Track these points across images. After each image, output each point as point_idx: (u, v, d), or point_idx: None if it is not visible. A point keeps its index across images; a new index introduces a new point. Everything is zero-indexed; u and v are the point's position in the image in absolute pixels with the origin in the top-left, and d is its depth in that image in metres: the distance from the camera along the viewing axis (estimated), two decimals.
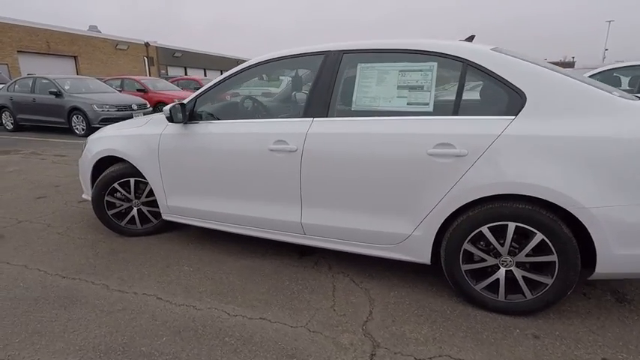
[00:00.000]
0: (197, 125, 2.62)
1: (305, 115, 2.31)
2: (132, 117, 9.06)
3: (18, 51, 21.23)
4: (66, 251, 2.87)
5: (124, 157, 2.85)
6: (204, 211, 2.69)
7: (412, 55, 2.14)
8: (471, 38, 2.52)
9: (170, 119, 2.55)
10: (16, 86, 9.63)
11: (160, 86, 12.30)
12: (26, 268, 2.62)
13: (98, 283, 2.42)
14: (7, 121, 9.77)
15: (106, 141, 2.97)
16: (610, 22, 40.82)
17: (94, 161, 3.01)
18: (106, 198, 2.97)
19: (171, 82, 13.66)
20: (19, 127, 9.71)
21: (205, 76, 35.11)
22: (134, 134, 2.85)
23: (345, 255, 2.71)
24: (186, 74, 34.10)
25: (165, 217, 2.92)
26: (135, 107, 9.28)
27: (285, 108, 3.24)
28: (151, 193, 3.00)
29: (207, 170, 2.58)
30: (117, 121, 8.95)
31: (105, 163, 3.08)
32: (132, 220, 3.09)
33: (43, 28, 22.62)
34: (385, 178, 2.09)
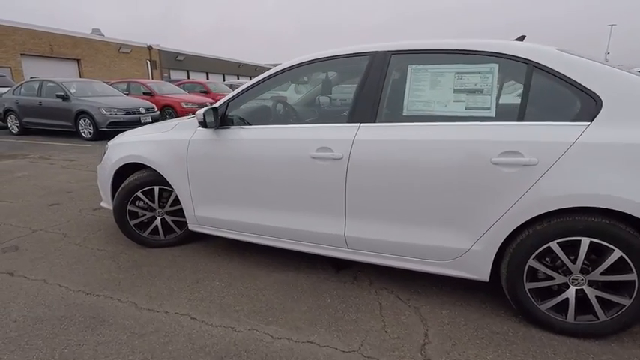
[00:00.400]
0: (229, 131, 2.46)
1: (351, 121, 2.15)
2: (139, 121, 8.91)
3: (21, 54, 21.14)
4: (86, 264, 2.70)
5: (149, 165, 2.69)
6: (235, 222, 2.53)
7: (469, 57, 1.98)
8: (521, 38, 2.36)
9: (203, 124, 2.39)
10: (22, 89, 9.49)
11: (166, 89, 12.16)
12: (46, 283, 2.45)
13: (125, 300, 2.24)
14: (13, 125, 9.62)
15: (129, 147, 2.81)
16: (612, 25, 40.79)
17: (116, 168, 2.85)
18: (129, 207, 2.81)
19: (177, 85, 13.51)
20: (24, 131, 9.56)
21: (208, 79, 35.03)
22: (160, 140, 2.69)
23: (386, 269, 2.55)
24: (188, 77, 34.06)
25: (191, 228, 2.75)
26: (143, 111, 9.13)
27: (321, 113, 3.07)
28: (175, 202, 2.83)
29: (240, 179, 2.41)
30: (125, 125, 8.89)
31: (126, 170, 2.92)
32: (155, 231, 2.92)
33: (47, 32, 22.54)
34: (443, 188, 1.93)
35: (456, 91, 1.99)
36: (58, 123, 8.95)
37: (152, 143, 2.71)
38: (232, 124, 2.51)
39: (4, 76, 12.18)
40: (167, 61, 33.03)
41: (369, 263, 2.29)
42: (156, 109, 9.70)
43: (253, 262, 2.73)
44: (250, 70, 45.64)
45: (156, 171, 2.73)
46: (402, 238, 2.08)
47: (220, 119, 2.46)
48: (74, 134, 9.08)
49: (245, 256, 2.82)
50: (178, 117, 11.15)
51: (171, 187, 2.74)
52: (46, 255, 2.85)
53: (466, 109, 1.96)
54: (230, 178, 2.45)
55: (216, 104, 2.48)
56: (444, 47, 2.04)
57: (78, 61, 24.73)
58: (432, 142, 1.93)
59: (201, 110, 2.37)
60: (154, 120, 9.41)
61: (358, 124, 2.12)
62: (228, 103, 2.50)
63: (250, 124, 2.50)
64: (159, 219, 2.89)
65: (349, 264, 2.67)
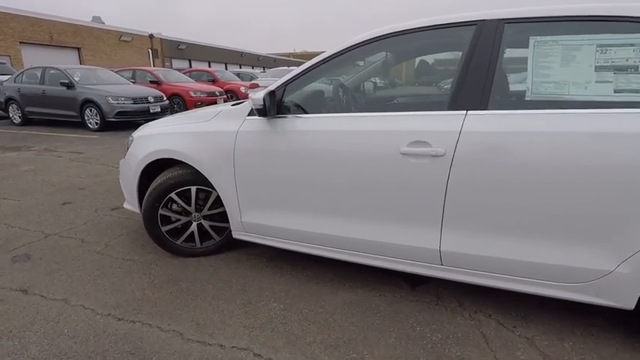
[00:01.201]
0: (287, 120, 2.02)
1: (453, 107, 1.70)
2: (148, 111, 8.45)
3: (20, 42, 20.54)
4: (112, 278, 2.28)
5: (185, 160, 2.25)
6: (293, 231, 2.10)
7: (616, 25, 1.53)
8: None
9: (262, 111, 1.94)
10: (24, 77, 8.99)
11: (174, 78, 11.65)
12: (67, 304, 2.03)
13: (167, 329, 1.83)
14: (15, 115, 9.15)
15: (161, 139, 2.37)
16: None
17: (144, 165, 2.41)
18: (160, 211, 2.37)
19: (184, 74, 12.98)
20: (27, 121, 9.10)
21: (210, 67, 34.40)
22: (199, 131, 2.24)
23: (469, 285, 2.12)
24: (190, 67, 33.39)
25: (236, 235, 2.32)
26: (151, 100, 8.65)
27: (405, 98, 2.61)
28: (215, 204, 2.40)
29: (302, 179, 1.98)
30: (133, 115, 8.41)
31: (154, 166, 2.48)
32: (190, 238, 2.50)
33: (46, 19, 21.90)
34: (586, 195, 1.49)
35: (598, 68, 1.54)
36: (63, 113, 8.48)
37: (189, 135, 2.27)
38: (289, 112, 2.07)
39: (4, 63, 11.66)
40: (169, 50, 32.35)
41: (466, 283, 1.87)
42: (165, 99, 9.22)
43: (310, 276, 2.31)
44: (252, 59, 44.86)
45: (193, 168, 2.30)
46: (520, 256, 1.65)
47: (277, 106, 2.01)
48: (79, 125, 8.62)
49: (298, 268, 2.40)
50: (187, 107, 10.67)
51: (212, 188, 2.31)
52: (64, 266, 2.43)
53: (615, 91, 1.51)
54: (289, 178, 2.01)
55: (272, 87, 2.03)
56: (580, 13, 1.59)
57: (78, 49, 24.12)
58: (574, 135, 1.49)
59: (261, 94, 1.92)
60: (163, 110, 8.94)
61: (464, 112, 1.67)
62: (285, 87, 2.05)
63: (308, 112, 2.06)
64: (195, 224, 2.46)
65: (424, 279, 2.25)
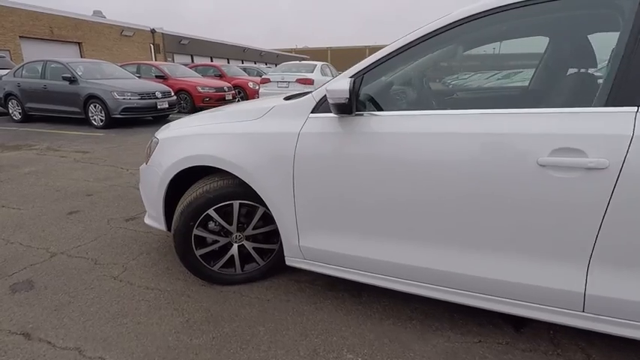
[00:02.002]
0: (368, 120, 1.56)
1: (614, 103, 1.23)
2: (156, 107, 7.97)
3: (20, 36, 20.03)
4: (136, 316, 1.82)
5: (228, 169, 1.79)
6: (372, 261, 1.64)
7: None
8: None
9: (345, 107, 1.47)
10: (24, 71, 8.51)
11: (180, 72, 11.16)
12: (81, 355, 1.58)
13: None
14: (15, 111, 8.68)
15: (195, 142, 1.90)
16: None
17: (174, 173, 1.94)
18: (195, 231, 1.91)
19: (190, 69, 12.47)
20: (27, 118, 8.63)
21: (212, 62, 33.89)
22: (246, 132, 1.78)
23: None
24: (192, 62, 32.88)
25: (291, 262, 1.86)
26: (159, 95, 8.18)
27: (524, 89, 2.11)
28: (261, 221, 1.94)
29: (392, 196, 1.52)
30: (140, 112, 7.93)
31: (184, 173, 2.01)
32: (229, 263, 2.04)
33: (46, 13, 21.37)
34: None
35: None
36: (65, 109, 8.01)
37: (232, 137, 1.80)
38: (364, 109, 1.60)
39: (3, 57, 11.17)
40: (171, 45, 31.79)
41: (616, 335, 1.41)
42: (172, 94, 8.74)
43: (382, 313, 1.85)
44: (255, 55, 44.22)
45: (236, 178, 1.84)
46: None
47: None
48: (83, 121, 8.15)
49: (363, 301, 1.94)
50: (194, 103, 10.18)
51: (258, 202, 1.86)
52: (75, 297, 1.98)
53: None
54: (372, 196, 1.55)
55: (351, 74, 1.56)
56: None
57: (79, 44, 23.60)
58: None
59: (343, 83, 1.44)
60: (171, 106, 8.47)
61: (634, 109, 1.20)
62: (363, 76, 1.58)
63: (385, 109, 1.60)
64: (236, 246, 2.01)
65: (527, 319, 1.78)
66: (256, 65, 21.21)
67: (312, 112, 1.66)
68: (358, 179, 1.55)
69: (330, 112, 1.60)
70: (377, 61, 1.55)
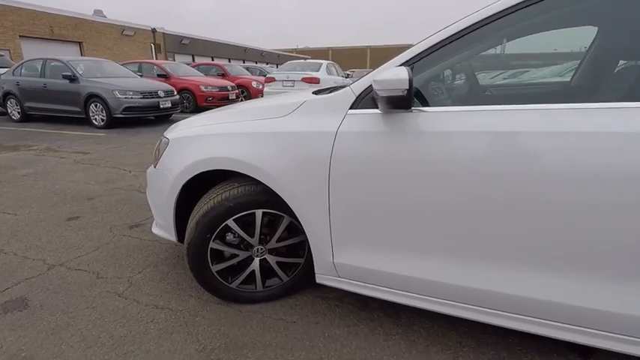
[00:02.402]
0: (424, 116, 1.32)
1: None
2: (158, 106, 7.74)
3: (20, 36, 19.82)
4: (145, 342, 1.58)
5: (251, 174, 1.55)
6: (419, 281, 1.40)
7: None
8: None
9: (403, 100, 1.22)
10: (23, 69, 8.28)
11: (182, 71, 10.93)
12: None
13: None
14: (14, 110, 8.45)
15: (212, 143, 1.66)
16: None
17: (187, 178, 1.71)
18: (212, 244, 1.67)
19: (192, 68, 12.24)
20: (27, 117, 8.40)
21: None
22: (273, 131, 1.54)
23: None
24: (193, 62, 32.72)
25: (322, 280, 1.62)
26: (162, 94, 7.94)
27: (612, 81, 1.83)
28: (286, 232, 1.71)
29: (452, 208, 1.28)
30: (142, 111, 7.68)
31: (198, 178, 1.77)
32: (249, 279, 1.80)
33: (46, 12, 21.16)
34: None
35: None
36: (65, 108, 7.78)
37: (256, 137, 1.57)
38: (417, 104, 1.36)
39: (2, 55, 10.95)
40: (172, 45, 31.60)
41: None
42: (175, 93, 8.50)
43: (427, 338, 1.61)
44: (256, 55, 44.00)
45: (260, 184, 1.60)
46: None
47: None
48: (84, 121, 7.92)
49: (401, 324, 1.71)
50: (197, 103, 9.93)
51: (284, 212, 1.62)
52: (74, 318, 1.74)
53: None
54: (427, 206, 1.31)
55: (402, 61, 1.32)
56: None
57: (80, 43, 23.39)
58: None
59: (401, 72, 1.20)
60: (174, 105, 8.23)
61: None
62: (413, 65, 1.34)
63: (434, 104, 1.36)
64: (257, 260, 1.77)
65: (594, 348, 1.54)
66: (259, 65, 20.98)
67: (351, 108, 1.42)
68: (410, 186, 1.31)
69: (373, 107, 1.36)
70: (433, 46, 1.31)
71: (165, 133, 1.97)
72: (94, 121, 7.55)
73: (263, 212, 1.64)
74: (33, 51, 19.71)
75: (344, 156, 1.39)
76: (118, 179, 4.00)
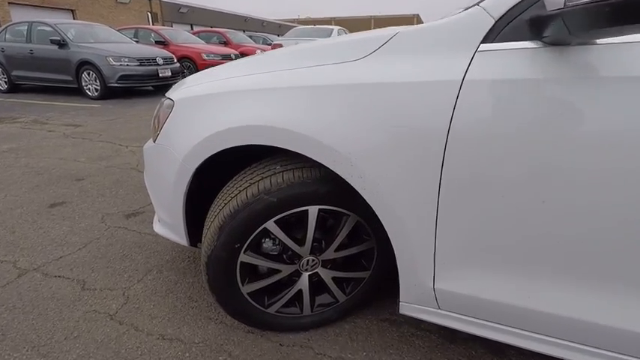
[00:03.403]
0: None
1: None
2: (157, 74, 7.06)
3: (9, 2, 18.76)
4: None
5: (306, 152, 0.98)
6: (579, 323, 0.86)
7: None
8: None
9: (618, 15, 0.63)
10: (7, 35, 7.55)
11: (182, 38, 10.14)
12: None
13: None
14: (0, 80, 7.77)
15: (241, 103, 1.08)
16: None
17: (202, 159, 1.13)
18: (243, 257, 1.12)
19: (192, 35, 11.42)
20: (14, 88, 7.73)
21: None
22: (341, 83, 0.96)
23: None
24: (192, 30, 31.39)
25: (409, 311, 1.09)
26: (160, 62, 7.26)
27: None
28: (352, 237, 1.16)
29: None
30: (139, 80, 6.99)
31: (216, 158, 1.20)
32: (293, 300, 1.26)
33: None
34: None
35: None
36: (56, 77, 7.11)
37: (312, 94, 0.99)
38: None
39: None
40: (169, 14, 30.22)
41: None
42: (175, 60, 7.80)
43: None
44: (257, 24, 42.33)
45: (318, 167, 1.04)
46: None
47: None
48: (77, 92, 7.27)
49: None
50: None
51: (350, 209, 1.07)
52: (47, 356, 1.22)
53: None
54: (615, 205, 0.75)
55: None
56: None
57: (72, 11, 22.26)
58: None
59: None
60: (174, 74, 7.55)
61: None
62: None
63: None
64: (306, 276, 1.22)
65: None
66: (262, 34, 19.89)
67: (484, 42, 0.83)
68: (603, 180, 0.75)
69: (529, 39, 0.78)
70: None
71: (168, 93, 1.39)
72: (87, 91, 6.90)
73: (320, 210, 1.09)
74: (23, 18, 18.67)
75: (473, 126, 0.82)
76: (113, 156, 3.43)
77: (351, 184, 0.96)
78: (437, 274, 0.98)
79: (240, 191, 1.07)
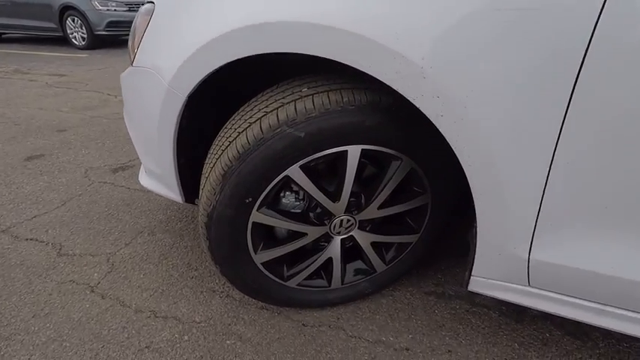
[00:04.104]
0: None
1: None
2: None
3: None
4: None
5: (358, 64, 0.64)
6: None
7: None
8: None
9: None
10: None
11: None
12: None
13: None
14: None
15: None
16: None
17: (198, 80, 0.80)
18: (255, 216, 0.81)
19: None
20: None
21: None
22: None
23: None
24: None
25: (484, 289, 0.79)
26: None
27: None
28: (399, 191, 0.85)
29: None
30: (129, 27, 6.47)
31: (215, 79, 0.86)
32: (319, 271, 0.98)
33: None
34: None
35: None
36: (38, 24, 6.54)
37: None
38: None
39: None
40: None
41: None
42: None
43: None
44: None
45: (369, 93, 0.71)
46: None
47: None
48: (64, 42, 6.73)
49: (602, 349, 0.92)
50: None
51: (403, 151, 0.75)
52: (10, 340, 0.96)
53: None
54: None
55: None
56: None
57: None
58: None
59: None
60: None
61: None
62: None
63: None
64: (338, 240, 0.93)
65: None
66: None
67: None
68: None
69: None
70: None
71: None
72: (73, 40, 6.37)
73: (364, 151, 0.77)
74: None
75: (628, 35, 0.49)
76: (100, 106, 3.07)
77: (419, 108, 0.64)
78: (535, 241, 0.69)
79: (250, 124, 0.75)
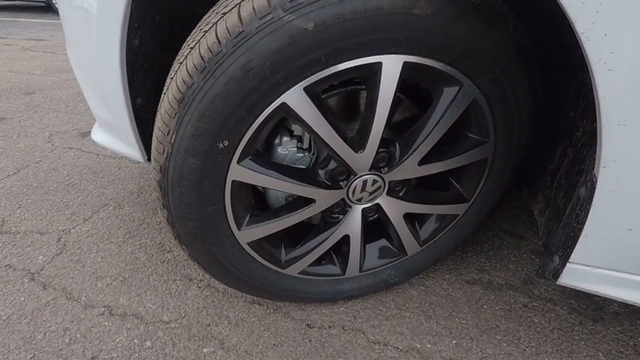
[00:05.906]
0: None
1: None
2: None
3: None
4: None
5: None
6: None
7: None
8: None
9: None
10: None
11: None
12: None
13: None
14: None
15: None
16: None
17: None
18: (235, 171, 0.52)
19: None
20: None
21: None
22: None
23: None
24: None
25: (585, 283, 0.51)
26: None
27: None
28: (449, 137, 0.57)
29: None
30: None
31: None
32: (329, 255, 0.70)
33: None
34: None
35: None
36: None
37: None
38: None
39: None
40: None
41: None
42: None
43: None
44: None
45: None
46: None
47: None
48: (48, 9, 6.30)
49: None
50: None
51: (470, 75, 0.47)
52: None
53: None
54: None
55: None
56: None
57: None
58: None
59: None
60: None
61: None
62: None
63: None
64: (358, 211, 0.65)
65: None
66: None
67: None
68: None
69: None
70: None
71: None
72: (56, 6, 5.93)
73: (405, 65, 0.48)
74: None
75: None
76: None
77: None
78: None
79: (224, 15, 0.45)
